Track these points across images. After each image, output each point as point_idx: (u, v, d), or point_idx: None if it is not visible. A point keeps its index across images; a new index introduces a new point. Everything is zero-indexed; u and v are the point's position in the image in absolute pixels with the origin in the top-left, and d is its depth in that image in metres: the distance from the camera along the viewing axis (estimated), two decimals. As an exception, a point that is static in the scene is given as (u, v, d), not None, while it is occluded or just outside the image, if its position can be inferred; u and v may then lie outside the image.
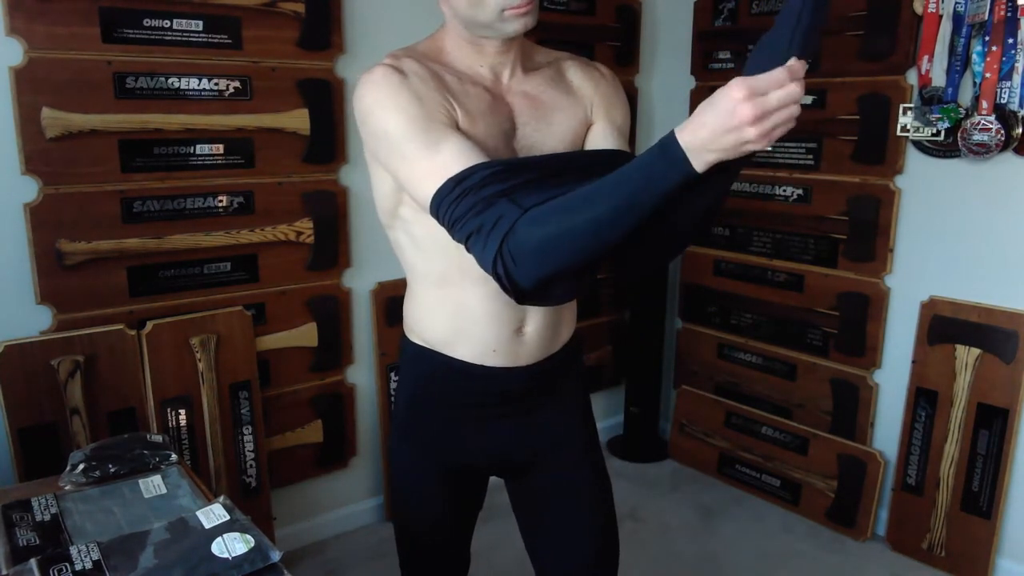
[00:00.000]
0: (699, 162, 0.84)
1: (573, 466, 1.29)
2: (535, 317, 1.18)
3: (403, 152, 1.03)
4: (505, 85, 1.14)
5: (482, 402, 1.21)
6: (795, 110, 0.81)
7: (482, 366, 1.18)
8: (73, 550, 1.01)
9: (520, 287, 0.96)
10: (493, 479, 1.34)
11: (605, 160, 1.09)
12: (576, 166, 1.06)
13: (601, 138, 1.18)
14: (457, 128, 1.04)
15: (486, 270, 0.97)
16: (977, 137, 2.12)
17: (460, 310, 1.16)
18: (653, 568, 2.39)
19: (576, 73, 1.21)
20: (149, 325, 2.00)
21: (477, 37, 1.10)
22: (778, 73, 0.79)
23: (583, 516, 1.29)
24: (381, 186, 1.15)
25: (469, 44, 1.11)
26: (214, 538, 1.03)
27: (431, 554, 1.33)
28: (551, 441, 1.27)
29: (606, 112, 1.19)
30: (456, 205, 0.97)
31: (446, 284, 1.15)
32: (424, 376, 1.23)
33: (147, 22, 1.93)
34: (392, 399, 2.50)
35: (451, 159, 0.99)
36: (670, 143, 0.85)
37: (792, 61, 0.80)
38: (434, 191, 0.99)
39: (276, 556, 1.01)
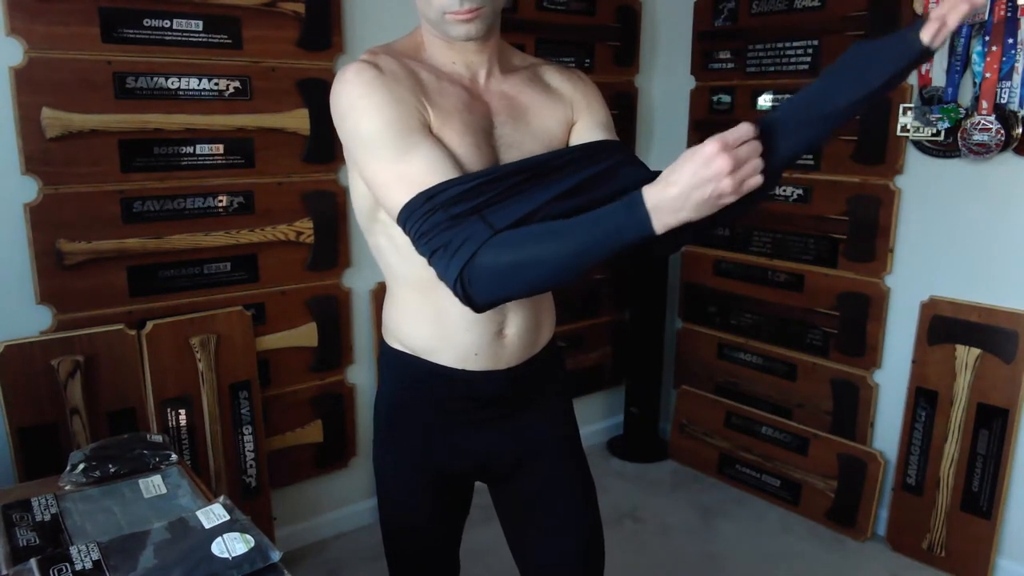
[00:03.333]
0: (660, 223, 0.89)
1: (557, 469, 1.29)
2: (515, 319, 1.18)
3: (375, 156, 1.03)
4: (482, 85, 1.14)
5: (465, 407, 1.21)
6: (758, 163, 0.88)
7: (464, 370, 1.17)
8: (73, 550, 1.01)
9: (476, 304, 1.00)
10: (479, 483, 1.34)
11: (588, 151, 1.10)
12: (556, 163, 1.06)
13: (587, 133, 1.18)
14: (430, 132, 1.05)
15: (446, 285, 1.00)
16: (977, 137, 2.12)
17: (441, 315, 1.16)
18: (653, 568, 2.39)
19: (554, 76, 1.22)
20: (149, 325, 2.00)
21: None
22: (744, 127, 0.87)
23: (567, 519, 1.29)
24: (360, 188, 1.14)
25: (442, 40, 1.11)
26: (214, 538, 1.03)
27: (419, 560, 1.33)
28: (534, 445, 1.27)
29: (588, 108, 1.20)
30: (424, 220, 0.98)
31: (426, 288, 1.14)
32: (406, 382, 1.23)
33: (147, 22, 1.93)
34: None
35: (421, 170, 1.00)
36: (636, 201, 0.90)
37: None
38: (403, 202, 1.00)
39: (276, 556, 1.01)
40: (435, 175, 1.00)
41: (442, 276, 1.00)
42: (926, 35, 0.88)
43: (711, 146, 0.85)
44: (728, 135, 0.86)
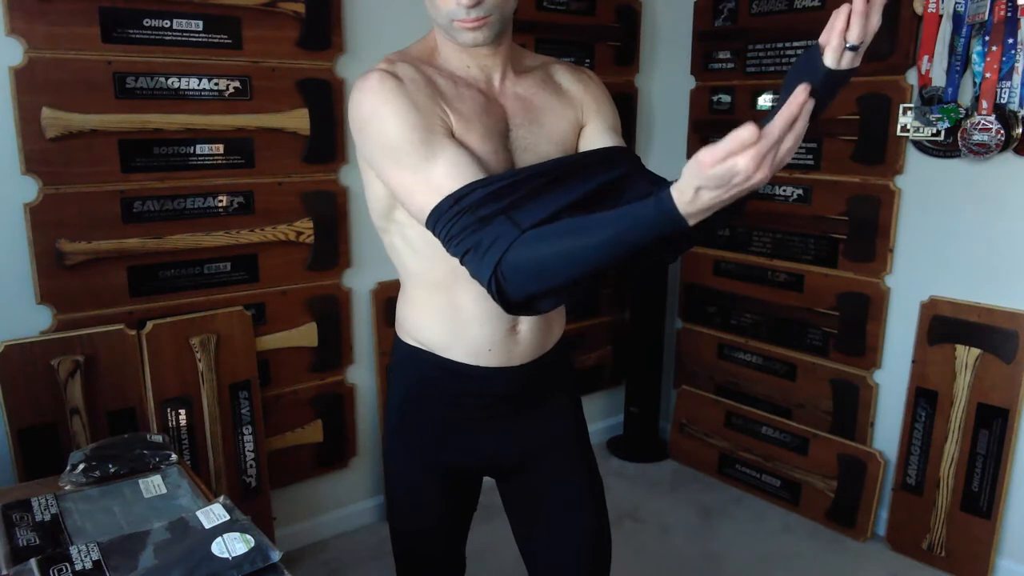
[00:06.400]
0: (692, 219, 0.86)
1: (565, 467, 1.30)
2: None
3: (399, 162, 1.04)
4: (497, 88, 1.15)
5: (476, 403, 1.22)
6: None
7: (477, 367, 1.19)
8: (73, 550, 1.01)
9: (511, 301, 1.00)
10: (487, 479, 1.34)
11: (602, 158, 1.11)
12: (574, 168, 1.07)
13: (596, 137, 1.19)
14: (452, 136, 1.06)
15: (481, 284, 1.00)
16: (977, 137, 2.12)
17: (455, 311, 1.17)
18: (653, 568, 2.39)
19: (565, 76, 1.23)
20: (149, 325, 2.00)
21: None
22: (751, 133, 0.78)
23: (575, 517, 1.29)
24: (376, 189, 1.15)
25: (455, 45, 1.12)
26: (214, 538, 1.03)
27: (427, 556, 1.34)
28: (544, 442, 1.28)
29: (597, 112, 1.22)
30: (454, 223, 0.99)
31: (441, 286, 1.16)
32: (418, 378, 1.24)
33: (147, 22, 1.93)
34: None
35: (447, 173, 1.01)
36: (665, 197, 0.86)
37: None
38: (431, 206, 1.01)
39: (276, 556, 1.02)
40: (460, 178, 1.01)
41: (475, 275, 1.01)
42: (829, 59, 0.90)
43: (747, 160, 0.79)
44: (756, 149, 0.79)
